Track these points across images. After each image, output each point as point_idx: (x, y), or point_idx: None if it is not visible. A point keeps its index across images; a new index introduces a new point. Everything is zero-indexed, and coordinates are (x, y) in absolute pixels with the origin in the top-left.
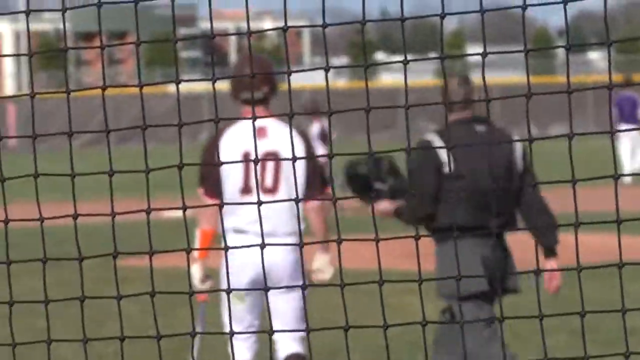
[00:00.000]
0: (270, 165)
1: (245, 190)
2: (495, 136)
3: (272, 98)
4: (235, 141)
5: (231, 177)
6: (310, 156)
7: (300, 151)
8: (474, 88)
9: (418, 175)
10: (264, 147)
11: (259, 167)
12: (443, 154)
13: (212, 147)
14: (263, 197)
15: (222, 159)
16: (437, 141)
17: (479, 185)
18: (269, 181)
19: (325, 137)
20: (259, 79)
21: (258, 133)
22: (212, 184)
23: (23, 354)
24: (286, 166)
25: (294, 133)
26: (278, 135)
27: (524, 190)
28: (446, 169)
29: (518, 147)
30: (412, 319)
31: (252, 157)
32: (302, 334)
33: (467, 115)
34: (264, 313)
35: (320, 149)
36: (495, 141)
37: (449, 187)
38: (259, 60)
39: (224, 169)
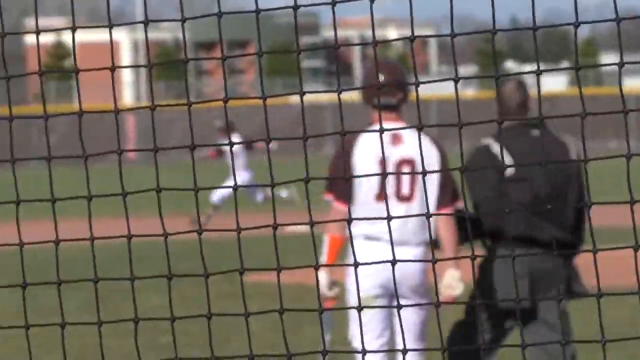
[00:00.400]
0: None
1: (381, 197)
2: (551, 141)
3: (403, 105)
4: (371, 147)
5: (365, 183)
6: (445, 166)
7: (435, 160)
8: (529, 93)
9: (481, 179)
10: (399, 153)
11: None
12: (503, 157)
13: (344, 152)
14: (398, 205)
15: (357, 164)
16: (494, 145)
17: (535, 191)
18: (405, 189)
19: (248, 147)
20: (394, 86)
21: (393, 139)
22: (342, 189)
23: None
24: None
25: (429, 142)
26: (414, 142)
27: (574, 198)
28: (508, 173)
29: (573, 154)
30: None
31: (388, 163)
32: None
33: (523, 120)
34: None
35: (243, 158)
36: (551, 146)
37: (507, 193)
38: (391, 67)
39: (357, 175)
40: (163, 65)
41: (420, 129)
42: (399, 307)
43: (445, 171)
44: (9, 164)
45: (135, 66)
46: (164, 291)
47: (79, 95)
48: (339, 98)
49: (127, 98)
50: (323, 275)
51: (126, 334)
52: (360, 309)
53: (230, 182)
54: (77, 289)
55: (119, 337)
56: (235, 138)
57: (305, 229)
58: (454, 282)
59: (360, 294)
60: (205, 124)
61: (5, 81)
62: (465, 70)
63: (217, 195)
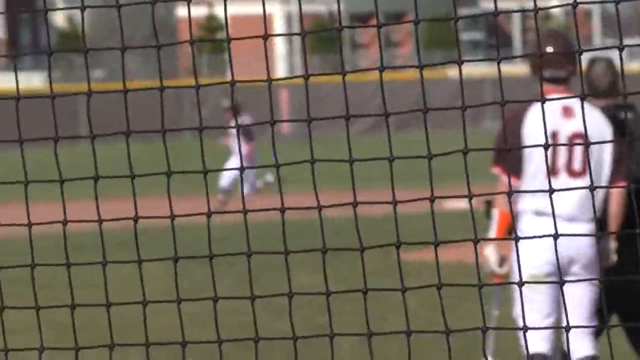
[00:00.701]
0: (578, 147)
1: (552, 171)
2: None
3: (573, 77)
4: (542, 119)
5: (535, 157)
6: (617, 140)
7: (608, 135)
8: (619, 74)
9: None
10: (571, 127)
11: (566, 148)
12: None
13: (513, 124)
14: (570, 180)
15: (527, 137)
16: None
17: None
18: (577, 164)
19: (248, 134)
20: (564, 57)
21: (565, 113)
22: (511, 162)
23: (300, 349)
24: (594, 149)
25: (601, 116)
26: (585, 116)
27: None
28: None
29: None
30: None
31: (560, 137)
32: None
33: (611, 103)
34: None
35: (244, 146)
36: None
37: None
38: (563, 38)
39: (527, 148)
40: (316, 34)
41: (583, 98)
42: (562, 282)
43: (619, 145)
44: (160, 135)
45: (288, 34)
46: (318, 268)
47: (230, 65)
48: (499, 68)
49: (280, 71)
50: (492, 251)
51: (280, 312)
52: (521, 284)
53: (232, 164)
54: (230, 264)
55: (273, 314)
56: (245, 119)
57: (466, 205)
58: (609, 251)
59: (531, 272)
60: (361, 97)
61: (156, 50)
62: (632, 41)
63: (225, 179)
